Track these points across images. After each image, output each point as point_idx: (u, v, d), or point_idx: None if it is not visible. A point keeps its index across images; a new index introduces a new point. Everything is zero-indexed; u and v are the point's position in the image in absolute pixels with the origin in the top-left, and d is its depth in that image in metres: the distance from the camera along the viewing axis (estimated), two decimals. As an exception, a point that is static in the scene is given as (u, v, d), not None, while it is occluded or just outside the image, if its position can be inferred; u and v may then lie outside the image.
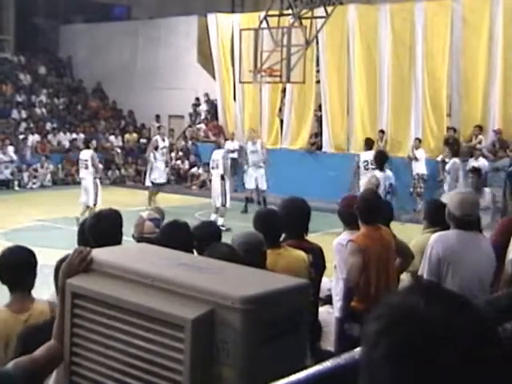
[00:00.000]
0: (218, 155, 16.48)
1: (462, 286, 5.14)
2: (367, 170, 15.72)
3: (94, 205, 15.49)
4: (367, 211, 6.03)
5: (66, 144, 26.28)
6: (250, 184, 19.01)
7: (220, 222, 14.92)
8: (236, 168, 20.25)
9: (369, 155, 15.72)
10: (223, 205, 16.17)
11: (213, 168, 16.55)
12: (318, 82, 22.23)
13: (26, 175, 23.69)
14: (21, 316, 4.41)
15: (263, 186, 18.88)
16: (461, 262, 5.27)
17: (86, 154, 16.42)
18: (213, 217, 15.70)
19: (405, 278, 6.34)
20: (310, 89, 21.97)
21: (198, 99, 26.54)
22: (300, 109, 22.62)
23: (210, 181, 17.62)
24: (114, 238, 4.55)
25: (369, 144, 16.81)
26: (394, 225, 6.79)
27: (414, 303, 1.24)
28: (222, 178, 16.25)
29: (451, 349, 1.18)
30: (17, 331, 4.28)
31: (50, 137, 26.21)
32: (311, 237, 6.17)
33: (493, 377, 1.19)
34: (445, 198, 5.86)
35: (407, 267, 6.18)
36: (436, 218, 5.81)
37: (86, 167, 16.25)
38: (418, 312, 1.23)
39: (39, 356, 2.81)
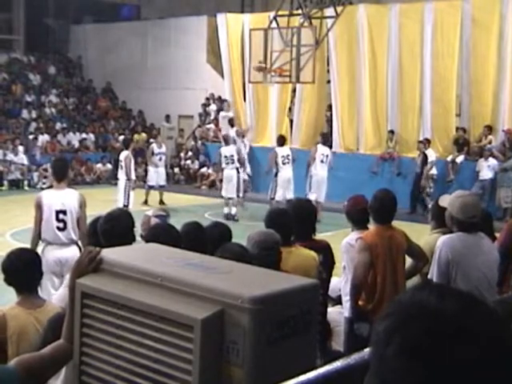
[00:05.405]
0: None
1: (470, 288, 5.13)
2: (284, 164, 17.58)
3: (125, 206, 15.52)
4: (380, 211, 6.01)
5: (76, 144, 26.37)
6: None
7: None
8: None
9: (285, 150, 17.73)
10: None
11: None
12: (327, 82, 22.21)
13: (35, 175, 23.73)
14: (32, 312, 4.45)
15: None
16: (468, 264, 5.26)
17: (122, 155, 17.18)
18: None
19: (413, 279, 6.30)
20: (319, 89, 21.94)
21: (207, 99, 26.55)
22: (310, 109, 22.60)
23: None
24: (126, 239, 4.57)
25: (281, 140, 18.09)
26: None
27: (425, 300, 1.23)
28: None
29: (464, 345, 1.17)
30: (29, 327, 4.33)
31: (59, 137, 26.27)
32: (320, 237, 6.17)
33: (507, 374, 1.17)
34: (442, 201, 5.81)
35: (420, 270, 6.14)
36: (444, 218, 5.78)
37: (121, 168, 16.96)
38: (430, 308, 1.21)
39: (46, 354, 2.82)
